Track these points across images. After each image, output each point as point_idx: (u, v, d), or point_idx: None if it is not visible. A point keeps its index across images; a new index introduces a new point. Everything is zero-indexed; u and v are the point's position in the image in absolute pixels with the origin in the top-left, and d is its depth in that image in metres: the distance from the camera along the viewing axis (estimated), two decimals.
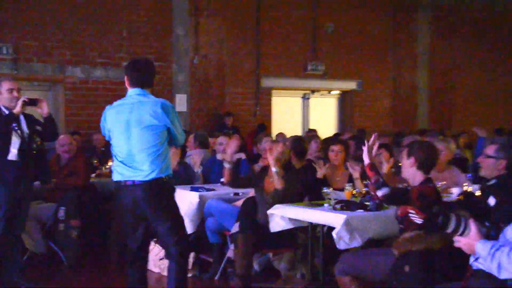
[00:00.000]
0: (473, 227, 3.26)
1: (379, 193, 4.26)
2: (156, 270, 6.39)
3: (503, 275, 3.12)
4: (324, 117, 13.38)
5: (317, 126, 12.07)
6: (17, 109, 5.59)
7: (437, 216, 3.31)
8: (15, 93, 5.69)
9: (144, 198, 4.40)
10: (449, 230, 3.29)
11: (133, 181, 4.40)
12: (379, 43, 13.59)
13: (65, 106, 10.68)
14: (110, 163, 8.31)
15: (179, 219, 4.57)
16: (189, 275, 5.59)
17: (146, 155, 4.38)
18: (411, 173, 4.18)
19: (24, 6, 10.18)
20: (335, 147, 5.95)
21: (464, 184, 5.29)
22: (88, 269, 6.68)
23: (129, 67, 4.58)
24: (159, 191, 4.41)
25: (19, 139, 5.61)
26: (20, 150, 5.59)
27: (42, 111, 5.80)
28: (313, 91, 13.29)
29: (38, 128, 5.83)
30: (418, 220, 4.03)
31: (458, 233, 3.28)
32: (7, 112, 5.60)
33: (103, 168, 8.01)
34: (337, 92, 13.61)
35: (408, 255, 3.98)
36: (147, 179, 4.38)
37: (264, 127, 11.76)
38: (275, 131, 11.60)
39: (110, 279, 6.40)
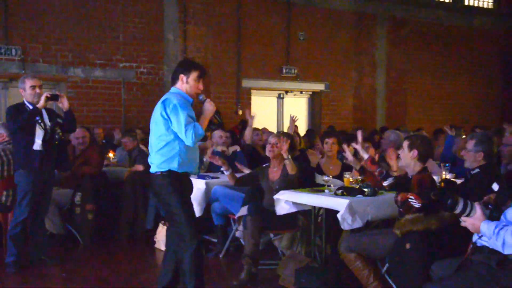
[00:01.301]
0: (478, 209, 3.25)
1: (385, 183, 4.21)
2: (164, 249, 6.27)
3: (507, 251, 3.12)
4: (297, 114, 13.19)
5: None
6: (40, 104, 5.47)
7: (447, 199, 3.29)
8: (37, 90, 5.59)
9: (152, 188, 4.27)
10: (457, 211, 3.27)
11: (150, 172, 4.22)
12: (344, 51, 13.61)
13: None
14: (110, 154, 8.15)
15: (188, 208, 4.16)
16: None
17: (153, 148, 4.16)
18: (412, 164, 4.17)
19: (31, 13, 9.90)
20: (329, 140, 5.90)
21: (443, 173, 5.30)
22: (102, 248, 6.55)
23: None
24: (161, 184, 4.10)
25: (43, 131, 5.49)
26: (43, 141, 5.47)
27: (63, 105, 5.68)
28: (287, 92, 13.24)
29: (59, 121, 5.68)
30: (416, 204, 4.06)
31: (465, 214, 3.27)
32: (31, 107, 5.46)
33: (111, 158, 7.83)
34: (308, 92, 13.59)
35: (409, 234, 3.97)
36: (152, 171, 4.17)
37: (245, 123, 11.66)
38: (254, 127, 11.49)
39: (120, 256, 6.31)
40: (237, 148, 7.27)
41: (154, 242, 6.51)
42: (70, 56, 10.33)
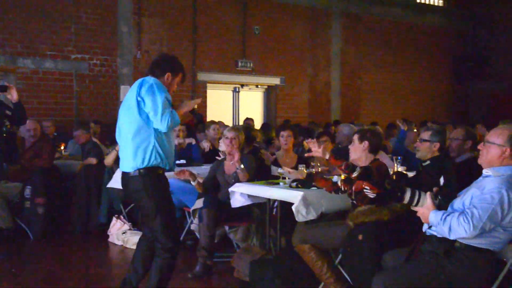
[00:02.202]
0: (428, 199, 3.35)
1: (354, 174, 4.16)
2: (118, 243, 6.23)
3: (453, 236, 3.22)
4: (252, 108, 13.39)
5: (246, 115, 12.08)
6: None
7: (396, 189, 3.38)
8: None
9: (126, 188, 3.91)
10: (405, 201, 3.37)
11: (123, 171, 3.89)
12: (299, 45, 13.72)
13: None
14: (61, 148, 8.00)
15: (166, 215, 3.85)
16: None
17: (124, 139, 3.80)
18: (363, 156, 4.24)
19: None
20: (285, 133, 5.94)
21: (395, 165, 5.42)
22: (53, 243, 6.41)
23: None
24: (139, 186, 3.77)
25: None
26: None
27: (11, 97, 5.52)
28: (242, 85, 13.26)
29: (8, 112, 5.53)
30: (371, 194, 4.11)
31: (413, 204, 3.36)
32: None
33: (62, 152, 7.69)
34: (264, 86, 13.65)
35: (362, 225, 4.04)
36: (126, 170, 3.81)
37: (201, 116, 11.62)
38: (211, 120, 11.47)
39: (72, 251, 6.20)
40: (192, 140, 7.26)
41: (108, 236, 6.43)
42: (19, 46, 10.06)
